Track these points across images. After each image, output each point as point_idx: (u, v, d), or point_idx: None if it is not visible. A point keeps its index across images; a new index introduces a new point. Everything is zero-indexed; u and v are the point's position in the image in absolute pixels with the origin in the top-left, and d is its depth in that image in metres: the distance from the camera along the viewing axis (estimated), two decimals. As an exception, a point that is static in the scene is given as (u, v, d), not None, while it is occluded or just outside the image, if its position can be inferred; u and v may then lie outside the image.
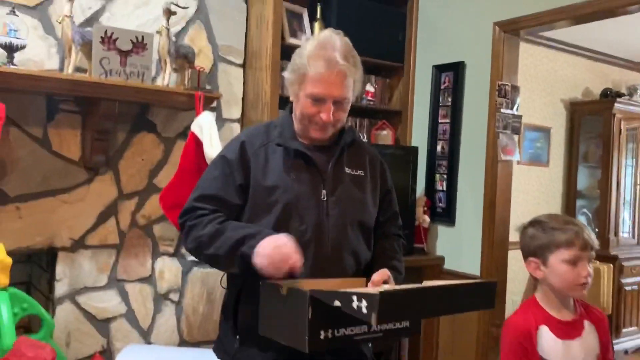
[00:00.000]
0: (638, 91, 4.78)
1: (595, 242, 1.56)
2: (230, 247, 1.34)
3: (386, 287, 1.39)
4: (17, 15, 2.14)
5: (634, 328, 4.63)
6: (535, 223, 1.61)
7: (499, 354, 2.87)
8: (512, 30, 2.75)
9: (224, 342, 1.50)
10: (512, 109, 2.81)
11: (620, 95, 4.56)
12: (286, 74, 1.53)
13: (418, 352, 3.03)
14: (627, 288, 4.55)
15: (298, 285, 1.26)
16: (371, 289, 1.18)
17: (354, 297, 1.12)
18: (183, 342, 2.67)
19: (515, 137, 2.85)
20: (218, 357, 1.53)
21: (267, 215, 1.42)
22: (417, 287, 1.23)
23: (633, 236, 4.72)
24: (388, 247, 1.58)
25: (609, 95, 4.51)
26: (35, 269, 2.61)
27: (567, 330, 1.55)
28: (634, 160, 4.68)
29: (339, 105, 1.44)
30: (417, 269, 2.95)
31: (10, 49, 2.08)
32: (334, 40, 1.44)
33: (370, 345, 1.54)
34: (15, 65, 2.08)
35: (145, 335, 2.58)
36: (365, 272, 1.48)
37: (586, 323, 1.58)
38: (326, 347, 1.26)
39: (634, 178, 4.71)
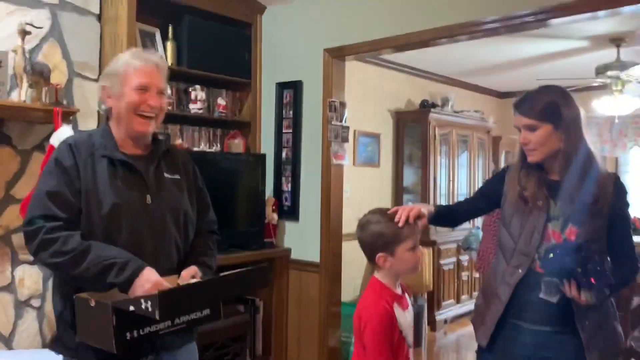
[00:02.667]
0: (449, 102, 5.69)
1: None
2: (100, 270, 1.49)
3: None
4: None
5: (451, 301, 5.52)
6: (375, 222, 1.78)
7: (335, 331, 3.37)
8: (338, 56, 3.28)
9: (64, 338, 1.63)
10: (341, 121, 3.34)
11: (434, 105, 5.40)
12: (101, 83, 1.73)
13: (270, 332, 3.44)
14: (445, 268, 5.42)
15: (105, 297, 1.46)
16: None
17: (142, 300, 1.34)
18: (46, 346, 2.78)
19: (345, 144, 3.38)
20: (58, 353, 1.66)
21: (99, 220, 1.58)
22: (193, 283, 1.48)
23: (449, 224, 5.60)
24: (199, 244, 1.79)
25: (426, 106, 5.33)
26: None
27: (403, 303, 1.82)
28: (447, 160, 5.58)
29: (160, 95, 1.70)
30: (269, 260, 3.37)
31: None
32: (146, 50, 1.81)
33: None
34: None
35: (7, 342, 2.65)
36: (182, 265, 1.69)
37: (406, 295, 1.93)
38: (134, 346, 1.46)
39: (447, 175, 5.60)
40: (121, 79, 1.68)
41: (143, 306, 1.34)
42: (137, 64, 1.68)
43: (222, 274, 1.56)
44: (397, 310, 1.81)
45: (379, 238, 1.77)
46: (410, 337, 1.92)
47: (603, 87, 4.82)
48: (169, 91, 3.26)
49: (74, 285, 1.59)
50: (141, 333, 1.43)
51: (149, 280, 1.50)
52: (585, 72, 4.73)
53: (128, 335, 1.41)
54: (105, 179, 1.62)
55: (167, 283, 1.51)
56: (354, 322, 1.91)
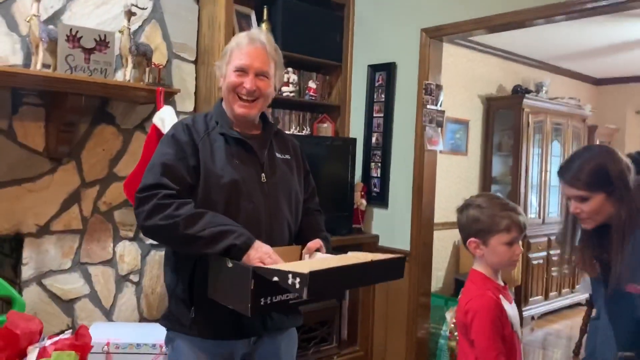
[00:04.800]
0: (543, 88, 5.39)
1: (527, 224, 1.74)
2: (217, 233, 1.47)
3: (318, 256, 1.62)
4: (-16, 14, 2.25)
5: (539, 297, 5.26)
6: (475, 206, 1.73)
7: (424, 321, 3.27)
8: (436, 36, 3.14)
9: (177, 313, 1.64)
10: (436, 105, 3.21)
11: (528, 91, 5.12)
12: (217, 64, 1.74)
13: (357, 321, 3.39)
14: (534, 262, 5.16)
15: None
16: (302, 268, 1.35)
17: (290, 275, 1.32)
18: (143, 319, 2.87)
19: (439, 129, 3.25)
20: (170, 329, 1.68)
21: (219, 196, 1.58)
22: (340, 266, 1.45)
23: (539, 217, 5.33)
24: (314, 222, 1.81)
25: (519, 92, 5.06)
26: (-3, 256, 2.71)
27: (508, 296, 1.76)
28: (540, 149, 5.28)
29: (260, 77, 1.65)
30: (356, 246, 3.29)
31: (-20, 46, 2.19)
32: (259, 31, 1.73)
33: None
34: (-17, 61, 2.20)
35: (108, 314, 2.76)
36: (295, 241, 1.71)
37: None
38: (266, 311, 1.48)
39: (540, 165, 5.31)
40: (227, 59, 1.68)
41: (290, 281, 1.32)
42: (241, 44, 1.66)
43: (362, 261, 1.52)
44: (504, 302, 1.72)
45: (474, 222, 1.72)
46: (520, 333, 1.80)
47: None
48: (285, 75, 3.23)
49: (187, 261, 1.61)
50: (274, 300, 1.43)
51: (264, 250, 1.48)
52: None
53: (262, 301, 1.40)
54: (222, 156, 1.63)
55: (279, 258, 1.48)
56: (457, 317, 1.82)
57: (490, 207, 1.72)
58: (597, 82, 6.61)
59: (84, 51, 2.44)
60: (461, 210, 1.79)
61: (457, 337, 3.31)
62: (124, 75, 2.60)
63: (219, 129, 1.66)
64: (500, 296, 1.72)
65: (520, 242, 1.75)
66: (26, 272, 2.50)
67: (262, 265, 1.43)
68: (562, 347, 4.65)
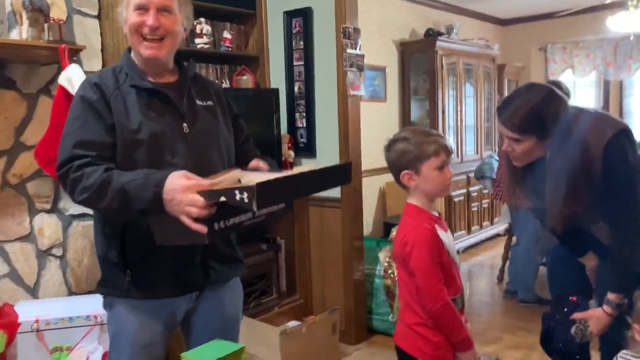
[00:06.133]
0: (454, 30, 5.52)
1: (452, 147, 1.77)
2: (124, 199, 1.37)
3: (261, 175, 1.56)
4: None
5: (463, 232, 5.55)
6: (402, 139, 1.75)
7: (359, 264, 3.35)
8: (351, -23, 3.10)
9: (112, 279, 1.57)
10: (355, 49, 3.20)
11: (440, 34, 5.23)
12: (119, 11, 1.59)
13: (294, 271, 3.42)
14: (455, 200, 5.41)
15: None
16: (248, 182, 1.29)
17: (237, 191, 1.27)
18: (72, 294, 2.73)
19: (360, 74, 3.25)
20: (106, 295, 1.61)
21: (139, 153, 1.48)
22: (286, 175, 1.42)
23: (457, 156, 5.55)
24: (250, 150, 1.77)
25: (431, 35, 5.16)
26: None
27: (443, 225, 1.79)
28: (455, 91, 5.45)
29: (163, 13, 1.53)
30: (287, 198, 3.29)
31: None
32: None
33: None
34: None
35: (33, 292, 2.60)
36: None
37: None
38: (222, 236, 1.44)
39: (455, 107, 5.49)
40: (125, 2, 1.54)
41: (238, 197, 1.27)
42: None
43: (309, 170, 1.47)
44: (439, 231, 1.77)
45: (403, 155, 1.73)
46: (457, 259, 1.88)
47: (619, 5, 4.65)
48: (197, 26, 3.10)
49: (115, 224, 1.53)
50: (227, 224, 1.38)
51: (177, 189, 1.34)
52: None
53: (216, 225, 1.34)
54: (137, 110, 1.51)
55: (204, 181, 1.38)
56: (395, 251, 1.85)
57: (415, 136, 1.74)
58: (503, 22, 6.87)
59: (-30, 8, 2.20)
60: (388, 147, 1.79)
61: (392, 275, 3.41)
62: (20, 33, 2.37)
63: (129, 81, 1.54)
64: (436, 226, 1.77)
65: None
66: None
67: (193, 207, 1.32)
68: (486, 276, 4.95)
